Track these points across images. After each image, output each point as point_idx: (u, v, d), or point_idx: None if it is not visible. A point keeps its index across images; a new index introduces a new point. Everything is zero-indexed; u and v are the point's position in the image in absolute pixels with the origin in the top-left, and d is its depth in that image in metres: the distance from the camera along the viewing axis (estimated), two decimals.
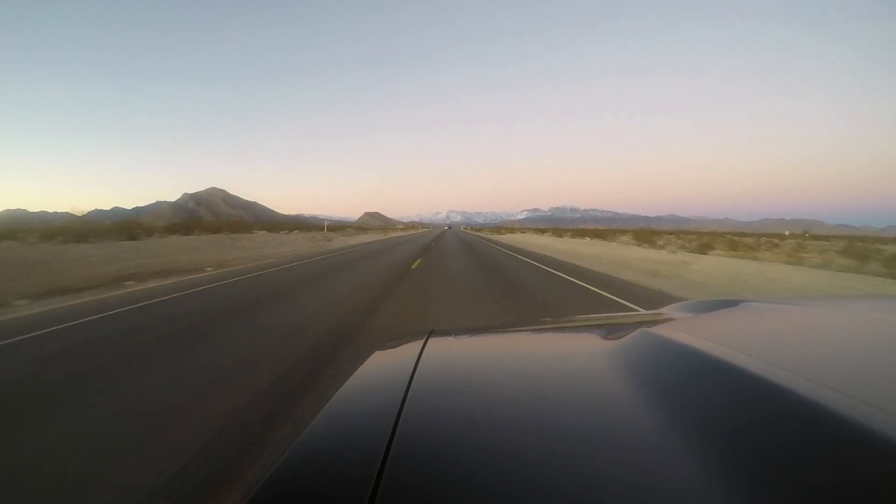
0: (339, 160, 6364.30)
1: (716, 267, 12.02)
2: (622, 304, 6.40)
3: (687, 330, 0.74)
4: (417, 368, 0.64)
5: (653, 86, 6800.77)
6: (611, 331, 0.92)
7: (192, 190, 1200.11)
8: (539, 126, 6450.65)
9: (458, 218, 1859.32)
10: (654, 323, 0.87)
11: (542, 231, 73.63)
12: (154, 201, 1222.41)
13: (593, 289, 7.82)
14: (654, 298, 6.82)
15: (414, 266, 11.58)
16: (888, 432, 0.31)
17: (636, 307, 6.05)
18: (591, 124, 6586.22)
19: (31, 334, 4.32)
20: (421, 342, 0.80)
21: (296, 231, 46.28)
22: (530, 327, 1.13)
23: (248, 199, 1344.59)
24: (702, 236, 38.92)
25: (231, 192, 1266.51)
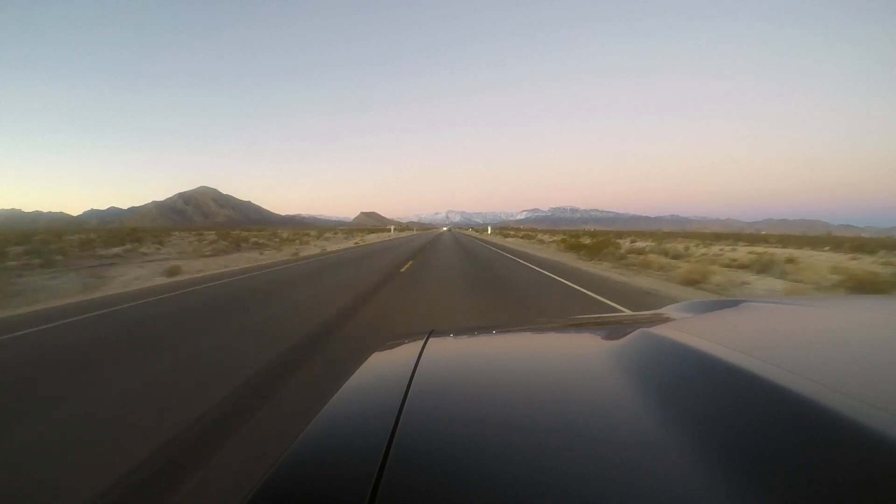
0: (337, 160, 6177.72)
1: None
2: None
3: (687, 330, 0.73)
4: (417, 368, 0.64)
5: (654, 85, 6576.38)
6: (611, 331, 0.93)
7: (184, 189, 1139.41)
8: (539, 125, 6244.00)
9: (458, 218, 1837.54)
10: (654, 323, 0.87)
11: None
12: (151, 201, 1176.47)
13: None
14: None
15: None
16: (888, 432, 0.31)
17: None
18: (592, 124, 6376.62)
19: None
20: (421, 342, 0.81)
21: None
22: (530, 327, 1.11)
23: (242, 199, 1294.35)
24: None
25: (223, 192, 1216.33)
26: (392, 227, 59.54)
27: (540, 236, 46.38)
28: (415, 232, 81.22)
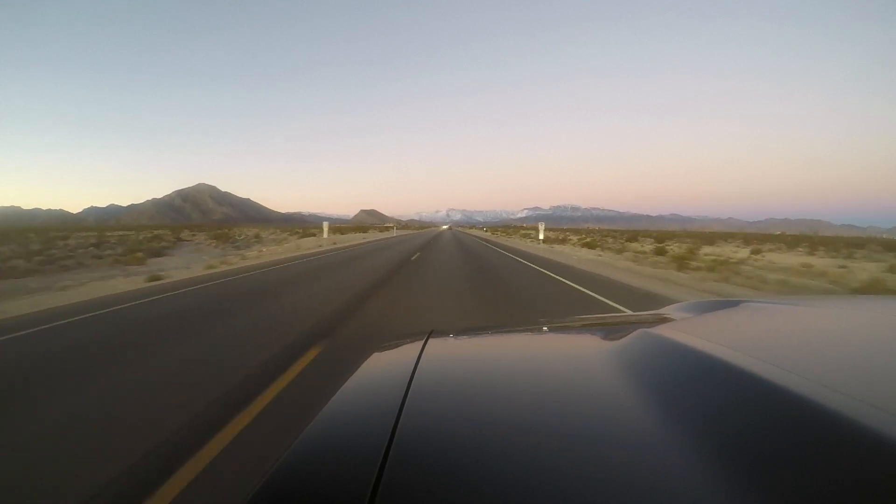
0: (337, 158, 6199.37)
1: None
2: None
3: (687, 330, 0.73)
4: (417, 368, 0.64)
5: (654, 85, 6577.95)
6: (611, 331, 0.93)
7: (182, 186, 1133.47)
8: (539, 125, 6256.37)
9: (458, 216, 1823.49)
10: (654, 323, 0.87)
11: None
12: (151, 198, 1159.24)
13: None
14: None
15: None
16: (888, 432, 0.31)
17: None
18: (593, 122, 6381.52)
19: None
20: (420, 343, 0.80)
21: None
22: (530, 328, 1.10)
23: (241, 197, 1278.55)
24: None
25: (222, 189, 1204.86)
26: (326, 225, 26.96)
27: (630, 244, 26.55)
28: (395, 234, 54.23)
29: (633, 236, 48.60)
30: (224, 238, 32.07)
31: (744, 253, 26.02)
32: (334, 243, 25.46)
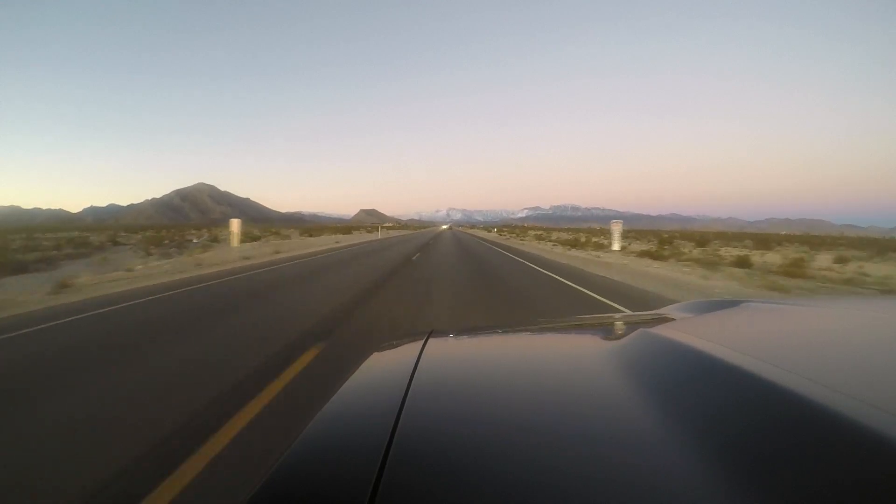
0: (337, 158, 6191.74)
1: None
2: None
3: (687, 330, 0.74)
4: (417, 368, 0.64)
5: (654, 85, 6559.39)
6: (611, 331, 0.94)
7: (181, 186, 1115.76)
8: (539, 124, 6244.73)
9: (458, 216, 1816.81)
10: (654, 323, 0.87)
11: None
12: (150, 197, 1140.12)
13: None
14: None
15: None
16: (888, 432, 0.31)
17: None
18: (592, 123, 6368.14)
19: None
20: (420, 343, 0.80)
21: None
22: (530, 328, 1.10)
23: (241, 196, 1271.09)
24: None
25: (221, 189, 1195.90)
26: (235, 224, 17.51)
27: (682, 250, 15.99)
28: (378, 236, 41.51)
29: (666, 238, 38.80)
30: (159, 241, 26.88)
31: (824, 261, 19.19)
32: (276, 252, 17.97)
